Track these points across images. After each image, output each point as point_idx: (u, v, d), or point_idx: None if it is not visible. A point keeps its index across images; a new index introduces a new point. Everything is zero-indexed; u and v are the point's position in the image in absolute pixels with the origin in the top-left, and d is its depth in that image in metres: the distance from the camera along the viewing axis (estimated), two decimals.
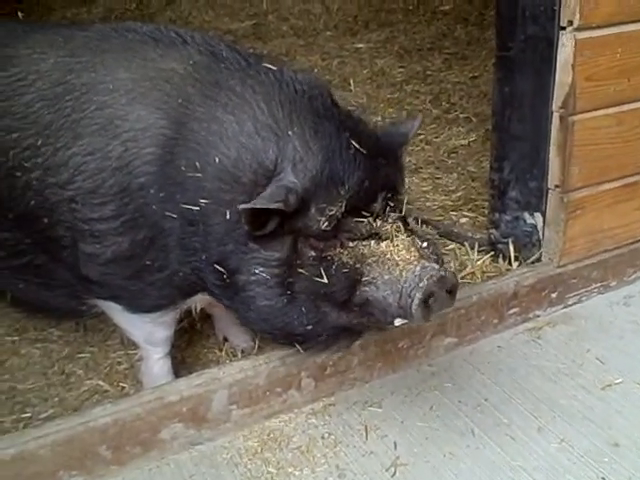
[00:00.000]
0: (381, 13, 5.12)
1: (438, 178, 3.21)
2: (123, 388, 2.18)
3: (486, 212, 2.76)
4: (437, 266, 1.68)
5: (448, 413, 2.06)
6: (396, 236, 1.72)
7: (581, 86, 2.20)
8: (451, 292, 1.68)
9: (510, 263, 2.48)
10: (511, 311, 2.36)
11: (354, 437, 1.99)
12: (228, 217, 1.70)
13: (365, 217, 1.72)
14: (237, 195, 1.70)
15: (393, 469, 1.88)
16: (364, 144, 1.72)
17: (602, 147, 2.32)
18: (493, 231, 2.55)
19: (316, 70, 4.27)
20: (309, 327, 1.79)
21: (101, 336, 2.39)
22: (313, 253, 1.72)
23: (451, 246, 2.71)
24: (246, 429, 2.02)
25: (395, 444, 1.96)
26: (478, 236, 2.70)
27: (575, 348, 2.29)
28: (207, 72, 1.82)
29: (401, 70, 4.30)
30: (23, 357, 2.32)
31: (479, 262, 2.54)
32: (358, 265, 1.70)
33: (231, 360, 2.23)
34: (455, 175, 3.22)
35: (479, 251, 2.59)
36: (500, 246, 2.53)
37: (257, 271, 1.73)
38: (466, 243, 2.66)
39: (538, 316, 2.42)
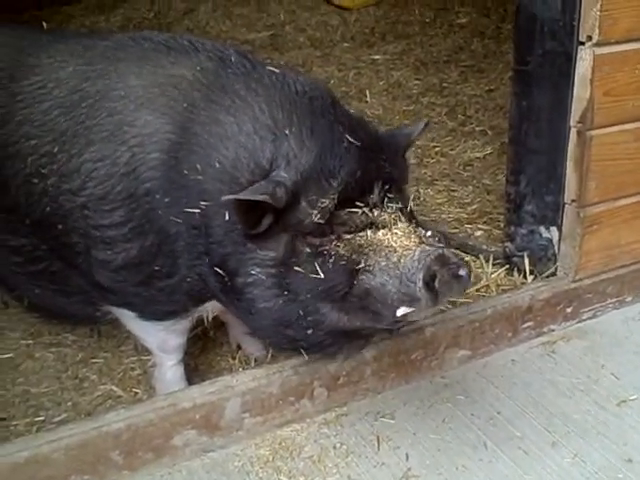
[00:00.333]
0: (398, 25, 5.12)
1: (453, 190, 3.20)
2: (136, 394, 2.20)
3: (501, 225, 2.76)
4: (440, 247, 1.65)
5: (461, 426, 2.05)
6: (395, 225, 1.71)
7: (599, 101, 2.20)
8: (460, 276, 1.62)
9: (525, 277, 2.48)
10: (525, 325, 2.35)
11: (366, 448, 1.99)
12: (227, 218, 1.71)
13: (360, 208, 1.70)
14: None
15: None
16: (358, 137, 1.73)
17: (619, 162, 2.31)
18: (508, 244, 2.54)
19: (332, 81, 4.27)
20: (309, 331, 1.78)
21: (115, 342, 2.40)
22: (309, 250, 1.71)
23: (466, 259, 2.68)
24: (258, 437, 2.02)
25: (407, 455, 1.96)
26: (493, 249, 2.70)
27: (590, 363, 2.28)
28: (214, 77, 1.84)
29: (417, 82, 4.30)
30: (37, 361, 2.34)
31: (494, 275, 2.53)
32: (355, 256, 1.69)
33: (244, 368, 2.24)
34: (470, 188, 3.21)
35: (494, 264, 2.58)
36: (515, 259, 2.52)
37: (254, 272, 1.73)
38: (481, 256, 2.66)
39: (553, 330, 2.41)
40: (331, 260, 1.69)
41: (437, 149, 3.54)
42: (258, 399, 1.99)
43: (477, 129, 3.72)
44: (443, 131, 3.72)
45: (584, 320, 2.46)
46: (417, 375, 2.20)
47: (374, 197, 1.72)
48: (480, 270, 2.59)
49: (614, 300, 2.50)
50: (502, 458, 1.95)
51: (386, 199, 1.74)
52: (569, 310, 2.42)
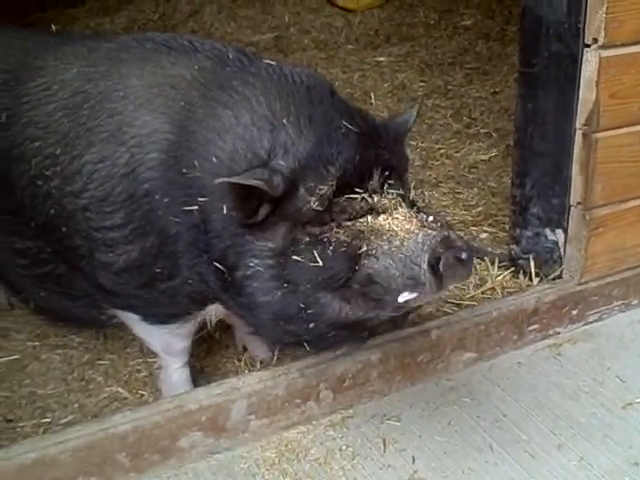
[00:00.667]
0: (402, 27, 5.13)
1: (458, 193, 3.20)
2: (142, 395, 2.20)
3: (506, 228, 2.76)
4: (443, 230, 1.63)
5: (466, 428, 2.05)
6: (395, 209, 1.69)
7: (605, 104, 2.20)
8: (463, 260, 1.60)
9: (530, 279, 2.48)
10: (531, 327, 2.35)
11: (372, 450, 1.99)
12: (225, 211, 1.70)
13: (359, 194, 1.69)
14: None
15: None
16: (356, 124, 1.72)
17: (625, 165, 2.31)
18: (514, 247, 2.54)
19: (337, 83, 4.27)
20: (311, 324, 1.75)
21: (121, 344, 2.41)
22: (308, 238, 1.69)
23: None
24: (264, 439, 2.02)
25: (413, 458, 1.96)
26: (498, 251, 2.70)
27: (595, 366, 2.28)
28: (212, 75, 1.84)
29: (422, 84, 4.30)
30: (44, 362, 2.34)
31: (499, 277, 2.53)
32: (355, 241, 1.66)
33: (250, 370, 2.24)
34: (475, 190, 3.21)
35: (499, 266, 2.58)
36: (521, 262, 2.53)
37: (252, 264, 1.72)
38: (486, 258, 2.66)
39: (558, 333, 2.41)
40: (331, 247, 1.67)
41: (442, 151, 3.54)
42: (264, 401, 2.00)
43: (482, 131, 3.72)
44: (448, 133, 3.72)
45: (590, 323, 2.46)
46: (423, 377, 2.20)
47: (373, 183, 1.70)
48: (485, 272, 2.59)
49: (620, 303, 2.50)
50: (508, 461, 1.95)
51: (386, 185, 1.72)
52: (575, 313, 2.42)
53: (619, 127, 2.26)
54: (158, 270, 1.84)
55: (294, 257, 1.69)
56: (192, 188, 1.74)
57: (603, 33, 2.11)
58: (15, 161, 1.95)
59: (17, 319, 2.52)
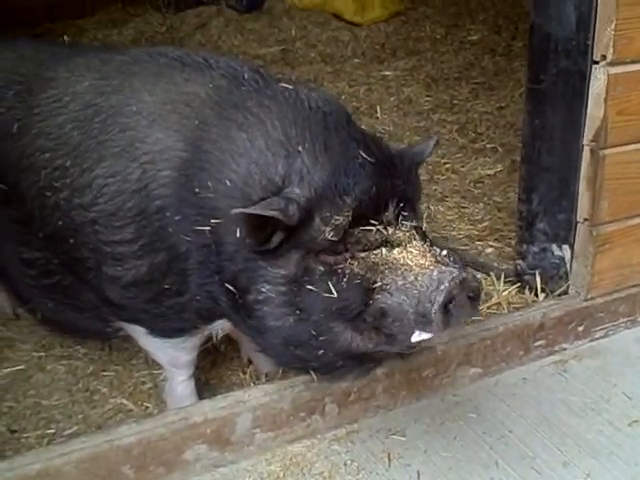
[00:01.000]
0: (409, 42, 5.14)
1: (464, 207, 3.20)
2: (147, 407, 2.19)
3: (512, 243, 2.77)
4: (457, 268, 1.62)
5: (472, 444, 2.05)
6: (410, 243, 1.68)
7: (613, 120, 2.20)
8: (474, 298, 1.63)
9: (536, 295, 2.47)
10: (537, 343, 2.34)
11: (377, 465, 1.98)
12: (238, 235, 1.69)
13: (374, 225, 1.68)
14: None
15: None
16: (372, 154, 1.71)
17: (632, 181, 2.31)
18: (520, 262, 2.54)
19: (343, 97, 4.28)
20: (321, 351, 1.75)
21: (126, 355, 2.40)
22: (322, 268, 1.68)
23: (477, 276, 2.69)
24: (269, 453, 2.01)
25: (418, 473, 1.95)
26: (504, 267, 2.70)
27: (601, 383, 2.27)
28: (227, 95, 1.84)
29: (428, 99, 4.31)
30: (48, 373, 2.34)
31: (505, 293, 2.53)
32: (370, 274, 1.65)
33: (255, 383, 2.24)
34: (481, 205, 3.21)
35: (505, 282, 2.58)
36: (527, 277, 2.52)
37: (264, 289, 1.71)
38: (492, 273, 2.66)
39: (564, 349, 2.40)
40: (345, 279, 1.67)
41: (448, 166, 3.54)
42: (269, 414, 1.99)
43: (488, 146, 3.72)
44: (454, 148, 3.72)
45: (596, 339, 2.46)
46: (428, 392, 2.20)
47: (388, 215, 1.70)
48: (491, 287, 2.59)
49: (626, 319, 2.49)
50: (513, 477, 1.94)
51: (400, 217, 1.72)
52: (581, 329, 2.41)
53: (627, 144, 2.26)
54: (167, 286, 1.84)
55: (308, 286, 1.69)
56: (204, 208, 1.74)
57: (612, 50, 2.12)
58: (25, 171, 1.96)
59: (22, 329, 2.51)
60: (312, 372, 1.88)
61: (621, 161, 2.28)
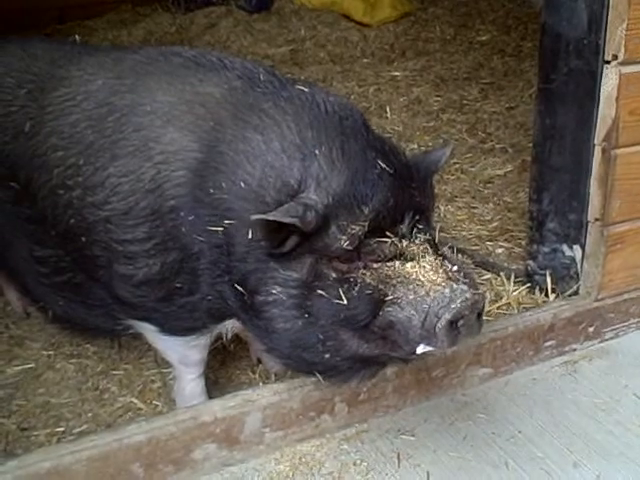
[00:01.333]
0: (418, 42, 5.13)
1: (474, 207, 3.19)
2: (156, 406, 2.19)
3: (522, 243, 2.76)
4: (468, 288, 1.63)
5: (481, 444, 2.04)
6: (423, 257, 1.68)
7: (624, 120, 2.19)
8: (479, 316, 1.65)
9: (547, 295, 2.46)
10: (547, 343, 2.34)
11: (386, 465, 1.98)
12: (250, 236, 1.69)
13: (390, 237, 1.68)
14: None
15: None
16: (391, 164, 1.71)
17: None
18: (530, 262, 2.53)
19: (352, 97, 4.28)
20: (327, 355, 1.76)
21: (135, 354, 2.41)
22: (334, 274, 1.68)
23: (487, 276, 2.70)
24: (278, 452, 2.01)
25: (428, 473, 1.95)
26: (514, 267, 2.69)
27: (612, 383, 2.26)
28: (242, 95, 1.83)
29: (437, 99, 4.30)
30: (58, 372, 2.34)
31: (515, 293, 2.52)
32: (381, 286, 1.65)
33: (264, 382, 2.23)
34: (491, 205, 3.21)
35: (515, 282, 2.57)
36: (537, 278, 2.51)
37: (275, 291, 1.71)
38: (502, 274, 2.65)
39: (574, 349, 2.39)
40: (356, 287, 1.67)
41: (457, 166, 3.53)
42: (278, 414, 1.99)
43: (497, 146, 3.72)
44: (463, 148, 3.71)
45: (606, 340, 2.45)
46: (438, 392, 2.20)
47: (404, 227, 1.70)
48: (501, 288, 2.58)
49: (637, 320, 2.49)
50: (523, 477, 1.94)
51: (415, 229, 1.71)
52: (591, 329, 2.41)
53: (638, 144, 2.25)
54: (178, 285, 1.84)
55: (319, 291, 1.69)
56: (218, 209, 1.74)
57: (623, 50, 2.11)
58: (37, 170, 1.96)
59: (32, 328, 2.52)
60: (317, 375, 1.88)
61: (632, 161, 2.27)
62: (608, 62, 2.15)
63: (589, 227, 2.33)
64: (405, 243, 1.70)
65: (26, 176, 1.99)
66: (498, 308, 2.47)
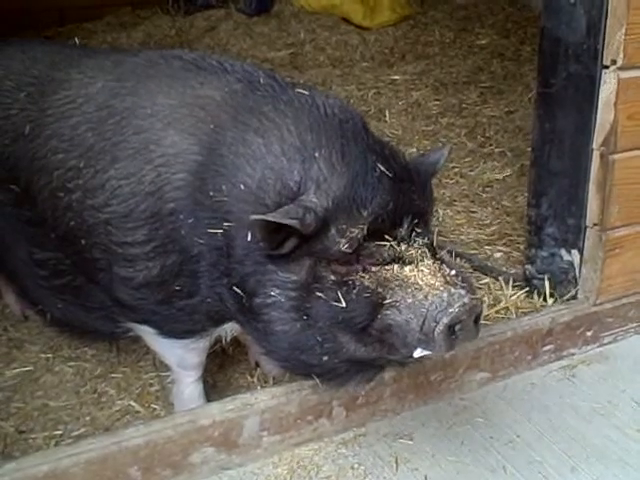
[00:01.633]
0: (417, 46, 5.15)
1: (473, 212, 3.20)
2: (154, 409, 2.19)
3: (520, 247, 2.77)
4: (465, 292, 1.64)
5: (479, 448, 2.04)
6: (421, 261, 1.68)
7: (623, 125, 2.20)
8: (476, 321, 1.65)
9: (545, 299, 2.47)
10: (545, 348, 2.34)
11: (384, 469, 1.98)
12: (249, 238, 1.69)
13: (388, 241, 1.68)
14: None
15: None
16: (390, 168, 1.71)
17: None
18: (529, 267, 2.54)
19: (352, 100, 4.29)
20: (325, 358, 1.76)
21: (134, 357, 2.41)
22: (333, 277, 1.68)
23: (485, 280, 2.70)
24: (276, 456, 2.01)
25: (425, 477, 1.95)
26: (513, 271, 2.70)
27: (610, 388, 2.26)
28: (242, 98, 1.83)
29: (437, 103, 4.32)
30: (56, 375, 2.34)
31: (513, 297, 2.52)
32: (380, 289, 1.65)
33: (262, 386, 2.23)
34: (490, 209, 3.21)
35: (513, 286, 2.57)
36: (535, 282, 2.52)
37: (273, 293, 1.71)
38: (500, 278, 2.65)
39: (573, 354, 2.39)
40: (355, 290, 1.67)
41: (456, 170, 3.54)
42: (276, 417, 1.99)
43: (496, 150, 3.73)
44: (462, 152, 3.73)
45: (605, 344, 2.45)
46: (436, 397, 2.19)
47: (403, 231, 1.70)
48: (500, 292, 2.58)
49: (635, 325, 2.49)
50: None
51: (414, 233, 1.72)
52: (589, 334, 2.41)
53: (637, 148, 2.26)
54: (177, 288, 1.84)
55: (317, 294, 1.69)
56: (218, 212, 1.74)
57: (622, 55, 2.12)
58: (37, 173, 1.96)
59: (31, 331, 2.52)
60: (315, 377, 1.88)
61: (631, 166, 2.27)
62: (607, 67, 2.16)
63: (587, 232, 2.34)
64: (404, 247, 1.70)
65: (26, 179, 2.00)
66: (496, 312, 2.47)
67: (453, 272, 1.70)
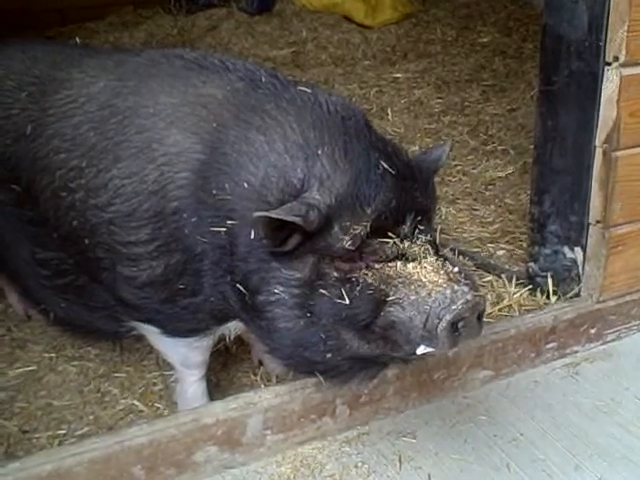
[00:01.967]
0: (419, 44, 5.14)
1: (475, 209, 3.20)
2: (158, 409, 2.19)
3: (523, 245, 2.76)
4: (468, 289, 1.64)
5: (483, 446, 2.04)
6: (424, 258, 1.69)
7: (625, 122, 2.19)
8: (479, 318, 1.65)
9: (548, 297, 2.46)
10: (549, 346, 2.33)
11: (387, 467, 1.98)
12: (252, 236, 1.69)
13: (391, 238, 1.68)
14: None
15: None
16: (393, 165, 1.71)
17: None
18: (532, 264, 2.53)
19: (354, 99, 4.28)
20: (328, 355, 1.76)
21: (137, 356, 2.41)
22: (336, 274, 1.68)
23: (488, 278, 2.70)
24: (279, 455, 2.01)
25: (429, 476, 1.95)
26: (516, 269, 2.70)
27: (613, 385, 2.26)
28: (245, 97, 1.83)
29: (439, 101, 4.31)
30: (60, 374, 2.34)
31: (516, 295, 2.51)
32: (383, 286, 1.66)
33: (266, 385, 2.24)
34: (492, 207, 3.21)
35: (516, 284, 2.57)
36: (538, 280, 2.51)
37: (277, 291, 1.71)
38: (503, 276, 2.65)
39: (576, 352, 2.39)
40: (358, 287, 1.67)
41: (459, 168, 3.54)
42: (280, 416, 1.99)
43: (499, 148, 3.72)
44: (465, 150, 3.72)
45: (608, 342, 2.45)
46: (439, 395, 2.19)
47: (405, 228, 1.70)
48: (503, 290, 2.58)
49: (638, 322, 2.48)
50: None
51: (417, 230, 1.72)
52: (593, 331, 2.41)
53: (639, 145, 2.25)
54: (181, 286, 1.84)
55: (321, 291, 1.69)
56: (221, 210, 1.74)
57: (624, 51, 2.11)
58: (39, 173, 1.96)
59: (34, 330, 2.53)
60: (318, 375, 1.88)
61: (633, 163, 2.26)
62: (609, 64, 2.15)
63: (590, 229, 2.33)
64: (407, 244, 1.70)
65: (28, 179, 2.00)
66: (499, 310, 2.47)
67: (456, 269, 1.70)
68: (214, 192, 1.74)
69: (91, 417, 2.18)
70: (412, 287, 1.64)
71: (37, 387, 2.29)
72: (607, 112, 2.20)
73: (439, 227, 1.89)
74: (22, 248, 2.11)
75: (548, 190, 2.41)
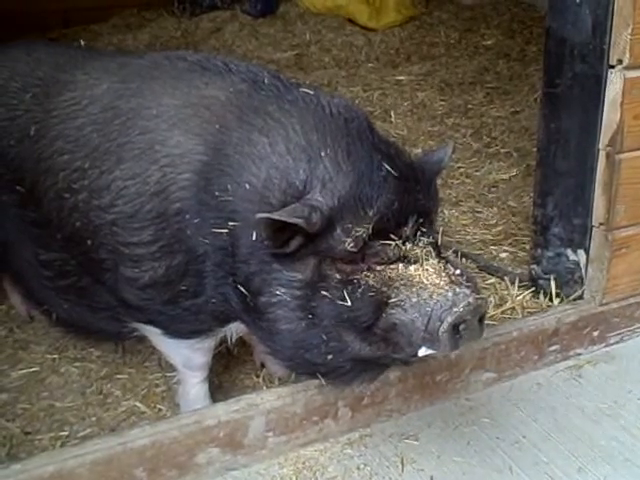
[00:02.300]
0: (423, 46, 5.14)
1: (478, 212, 3.19)
2: (160, 410, 2.19)
3: (526, 247, 2.77)
4: (470, 292, 1.64)
5: (485, 449, 2.03)
6: (426, 260, 1.69)
7: (629, 124, 2.19)
8: (481, 320, 1.65)
9: (551, 299, 2.46)
10: (552, 348, 2.33)
11: (390, 469, 1.97)
12: (254, 237, 1.69)
13: (393, 240, 1.68)
14: None
15: None
16: (396, 167, 1.71)
17: None
18: (534, 267, 2.53)
19: (357, 101, 4.28)
20: (330, 356, 1.76)
21: (139, 358, 2.41)
22: (338, 276, 1.68)
23: (491, 280, 2.69)
24: (281, 457, 2.01)
25: (431, 478, 1.94)
26: (519, 271, 2.69)
27: (616, 388, 2.25)
28: (247, 99, 1.83)
29: (442, 103, 4.31)
30: (62, 375, 2.34)
31: (519, 297, 2.51)
32: (385, 288, 1.66)
33: (268, 387, 2.23)
34: (495, 209, 3.21)
35: (519, 286, 2.57)
36: (541, 282, 2.51)
37: (278, 292, 1.71)
38: (506, 278, 2.65)
39: (579, 354, 2.39)
40: (360, 289, 1.67)
41: (462, 170, 3.54)
42: (282, 418, 1.99)
43: (502, 151, 3.72)
44: (468, 152, 3.72)
45: (611, 344, 2.44)
46: (442, 397, 2.19)
47: (407, 230, 1.70)
48: (505, 292, 2.58)
49: None
50: None
51: (419, 232, 1.72)
52: (596, 334, 2.40)
53: None
54: (183, 288, 1.84)
55: (322, 292, 1.69)
56: (223, 211, 1.74)
57: (628, 54, 2.11)
58: (42, 174, 1.97)
59: (37, 332, 2.53)
60: (320, 377, 1.88)
61: (637, 165, 2.26)
62: (613, 67, 2.16)
63: (593, 231, 2.33)
64: (409, 246, 1.70)
65: (31, 180, 2.00)
66: (502, 312, 2.47)
67: (458, 271, 1.70)
68: (216, 193, 1.75)
69: (93, 418, 2.17)
70: (414, 289, 1.65)
71: (39, 388, 2.28)
72: (611, 115, 2.20)
73: (441, 229, 1.88)
74: (25, 249, 2.11)
75: (551, 192, 2.41)
